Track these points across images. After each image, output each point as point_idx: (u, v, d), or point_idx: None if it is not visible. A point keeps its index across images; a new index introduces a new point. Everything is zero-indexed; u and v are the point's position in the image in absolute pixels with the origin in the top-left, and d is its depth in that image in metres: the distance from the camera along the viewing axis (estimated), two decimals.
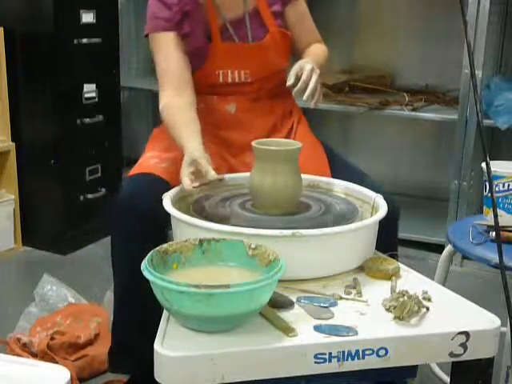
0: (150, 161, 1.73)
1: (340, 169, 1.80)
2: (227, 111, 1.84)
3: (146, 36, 1.81)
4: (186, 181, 1.51)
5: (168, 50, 1.76)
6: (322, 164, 1.81)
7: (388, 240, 1.57)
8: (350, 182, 1.69)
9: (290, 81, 1.66)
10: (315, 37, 1.96)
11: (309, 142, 1.82)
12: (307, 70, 1.66)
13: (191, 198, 1.63)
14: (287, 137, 1.86)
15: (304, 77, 1.65)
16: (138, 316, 1.62)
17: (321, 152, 1.85)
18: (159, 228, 1.55)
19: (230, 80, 1.81)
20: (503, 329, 1.32)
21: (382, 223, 1.47)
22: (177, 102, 1.73)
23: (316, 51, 1.89)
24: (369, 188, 1.64)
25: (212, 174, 1.52)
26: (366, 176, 1.78)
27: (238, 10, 1.81)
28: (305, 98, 1.65)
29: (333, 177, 1.76)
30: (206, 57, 1.78)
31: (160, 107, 1.75)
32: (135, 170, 1.72)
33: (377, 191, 1.60)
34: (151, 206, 1.51)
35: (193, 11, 1.76)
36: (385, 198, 1.56)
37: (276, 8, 1.84)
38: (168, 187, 1.60)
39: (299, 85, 1.64)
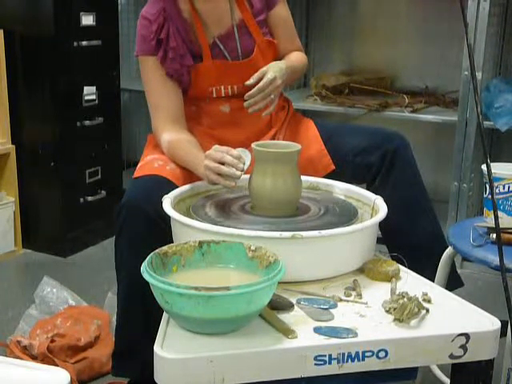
0: (154, 163, 1.73)
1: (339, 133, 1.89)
2: (222, 111, 1.84)
3: (137, 56, 1.84)
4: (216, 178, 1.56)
5: (157, 79, 1.78)
6: (314, 136, 1.87)
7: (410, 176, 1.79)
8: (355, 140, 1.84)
9: (250, 81, 1.69)
10: (296, 44, 1.96)
11: (300, 122, 1.92)
12: (267, 78, 1.69)
13: (191, 200, 1.63)
14: (280, 130, 1.88)
15: (260, 84, 1.68)
16: (142, 319, 1.61)
17: (311, 126, 1.91)
18: (167, 230, 1.53)
19: (223, 94, 1.83)
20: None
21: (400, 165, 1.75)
22: (182, 137, 1.75)
23: (295, 58, 1.90)
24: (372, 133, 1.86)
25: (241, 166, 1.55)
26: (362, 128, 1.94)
27: (226, 24, 1.82)
28: (245, 104, 1.69)
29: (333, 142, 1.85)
30: (195, 75, 1.79)
31: (164, 143, 1.76)
32: (139, 172, 1.72)
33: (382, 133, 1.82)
34: (160, 208, 1.50)
35: (178, 31, 1.77)
36: (392, 136, 1.79)
37: (261, 17, 1.84)
38: (175, 189, 1.61)
39: (252, 91, 1.68)
